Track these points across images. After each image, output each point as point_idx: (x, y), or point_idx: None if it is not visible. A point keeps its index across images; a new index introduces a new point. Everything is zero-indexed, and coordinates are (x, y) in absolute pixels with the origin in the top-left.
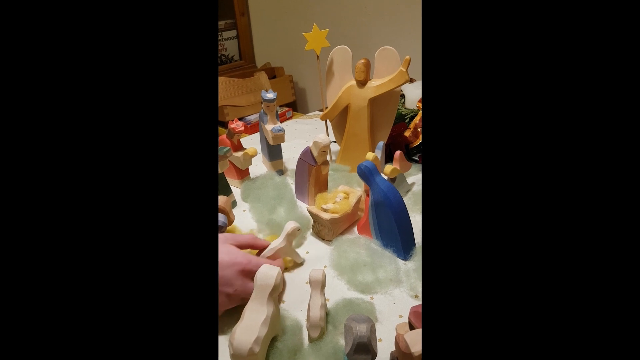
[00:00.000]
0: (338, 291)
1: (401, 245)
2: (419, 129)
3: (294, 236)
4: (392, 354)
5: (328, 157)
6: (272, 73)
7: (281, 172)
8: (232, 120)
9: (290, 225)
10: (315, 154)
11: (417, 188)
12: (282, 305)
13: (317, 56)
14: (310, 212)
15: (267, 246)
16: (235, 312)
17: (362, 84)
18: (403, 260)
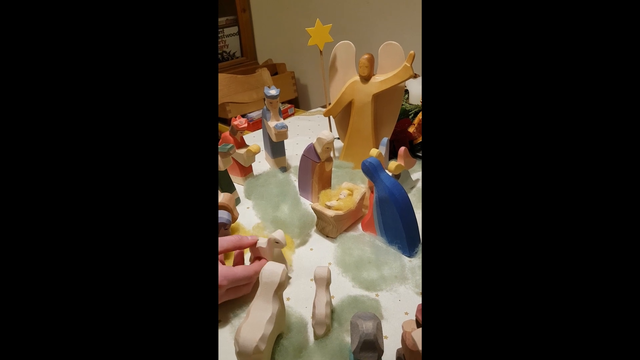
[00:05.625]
0: (343, 288)
1: (406, 242)
2: None
3: (274, 245)
4: (398, 351)
5: (331, 154)
6: (274, 69)
7: (284, 169)
8: (235, 117)
9: (277, 234)
10: (319, 150)
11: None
12: (287, 302)
13: (320, 52)
14: (314, 209)
15: (254, 243)
16: (238, 302)
17: (365, 79)
18: (408, 257)
